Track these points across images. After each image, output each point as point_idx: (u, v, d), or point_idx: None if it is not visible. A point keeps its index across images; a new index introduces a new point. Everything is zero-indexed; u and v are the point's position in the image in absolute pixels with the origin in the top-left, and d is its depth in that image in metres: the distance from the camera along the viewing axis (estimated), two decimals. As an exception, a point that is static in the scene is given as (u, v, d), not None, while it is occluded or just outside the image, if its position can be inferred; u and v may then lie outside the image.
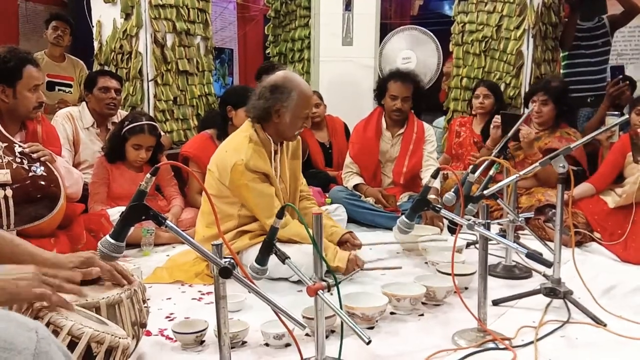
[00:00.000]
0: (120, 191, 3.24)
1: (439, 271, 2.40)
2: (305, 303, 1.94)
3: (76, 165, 3.49)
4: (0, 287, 1.21)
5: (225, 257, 1.43)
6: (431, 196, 3.15)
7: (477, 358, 1.81)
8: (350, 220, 3.54)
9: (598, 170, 3.42)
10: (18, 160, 2.54)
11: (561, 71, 4.85)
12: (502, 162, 2.51)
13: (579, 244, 3.04)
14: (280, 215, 1.58)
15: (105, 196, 3.26)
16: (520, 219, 2.60)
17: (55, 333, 1.26)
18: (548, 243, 2.63)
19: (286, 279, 2.51)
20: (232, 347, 1.63)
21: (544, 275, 2.33)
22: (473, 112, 4.24)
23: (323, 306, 1.59)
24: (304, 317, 1.91)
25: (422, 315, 2.15)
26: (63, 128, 3.50)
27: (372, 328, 2.02)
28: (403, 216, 1.94)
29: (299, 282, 2.36)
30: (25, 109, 2.64)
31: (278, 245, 1.64)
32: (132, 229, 1.46)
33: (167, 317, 2.14)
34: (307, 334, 1.89)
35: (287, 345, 1.86)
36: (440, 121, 5.14)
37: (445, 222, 3.29)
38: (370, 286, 2.39)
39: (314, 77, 5.09)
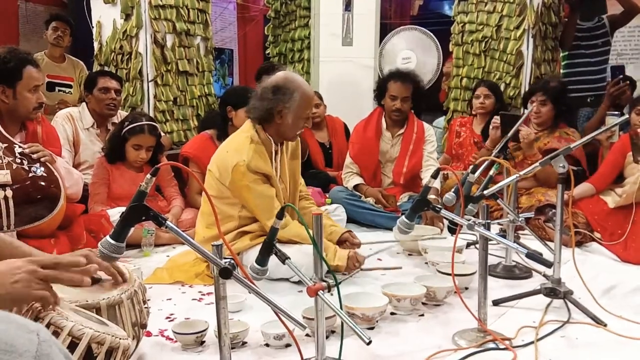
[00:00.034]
0: (121, 192, 3.24)
1: (439, 271, 2.40)
2: (305, 303, 1.94)
3: (76, 165, 3.49)
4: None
5: (225, 258, 1.43)
6: (431, 196, 3.15)
7: (477, 358, 1.81)
8: (351, 220, 3.54)
9: (598, 170, 3.41)
10: (18, 160, 2.54)
11: (561, 71, 4.84)
12: (502, 162, 2.51)
13: (579, 244, 3.04)
14: (280, 215, 1.58)
15: (106, 197, 3.25)
16: (520, 219, 2.60)
17: (56, 334, 1.26)
18: (548, 243, 2.63)
19: (286, 280, 2.51)
20: (232, 348, 1.63)
21: (544, 276, 2.33)
22: (473, 112, 4.23)
23: (323, 306, 1.59)
24: (304, 317, 1.91)
25: (422, 315, 2.15)
26: (63, 129, 3.49)
27: (372, 328, 2.02)
28: (403, 216, 1.94)
29: (299, 282, 2.36)
30: (25, 109, 2.64)
31: (278, 245, 1.64)
32: (132, 229, 1.46)
33: (168, 317, 2.14)
34: (307, 335, 1.89)
35: (288, 345, 1.86)
36: (440, 121, 5.14)
37: (446, 222, 3.29)
38: (371, 286, 2.39)
39: (314, 78, 5.09)
